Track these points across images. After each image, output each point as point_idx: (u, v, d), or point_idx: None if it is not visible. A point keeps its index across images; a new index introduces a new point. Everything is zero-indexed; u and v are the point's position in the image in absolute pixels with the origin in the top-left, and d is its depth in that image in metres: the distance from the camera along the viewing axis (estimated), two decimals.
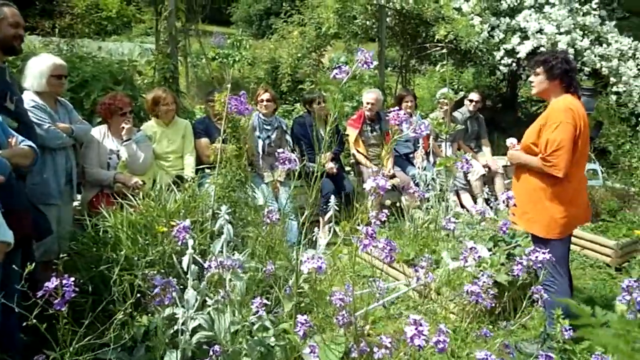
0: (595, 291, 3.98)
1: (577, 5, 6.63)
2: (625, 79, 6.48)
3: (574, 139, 2.71)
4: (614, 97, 6.51)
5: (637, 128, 6.50)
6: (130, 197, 3.14)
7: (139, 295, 2.47)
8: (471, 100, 5.58)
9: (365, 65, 1.62)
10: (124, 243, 2.76)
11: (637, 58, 6.91)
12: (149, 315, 2.51)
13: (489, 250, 3.68)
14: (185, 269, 2.07)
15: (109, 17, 14.26)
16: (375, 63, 1.68)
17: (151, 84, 5.12)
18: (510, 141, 3.40)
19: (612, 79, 6.50)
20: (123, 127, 3.74)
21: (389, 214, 4.38)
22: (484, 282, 1.91)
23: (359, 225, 1.54)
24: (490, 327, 3.00)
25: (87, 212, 3.11)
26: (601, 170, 4.79)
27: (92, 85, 4.37)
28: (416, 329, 1.19)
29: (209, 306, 2.28)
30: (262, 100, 4.58)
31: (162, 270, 2.65)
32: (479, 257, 3.60)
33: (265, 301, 1.75)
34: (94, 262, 2.69)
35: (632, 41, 6.94)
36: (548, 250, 2.93)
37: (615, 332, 1.05)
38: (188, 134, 4.24)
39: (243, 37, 13.66)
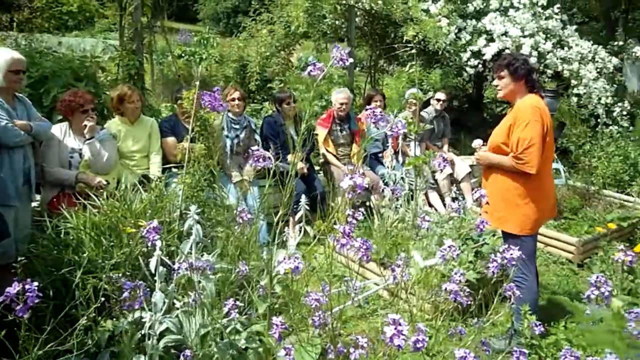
0: (558, 287, 4.08)
1: (539, 9, 6.80)
2: (585, 82, 6.69)
3: (543, 136, 2.76)
4: (575, 99, 6.70)
5: (597, 129, 6.71)
6: (94, 197, 3.03)
7: (103, 299, 2.38)
8: (438, 100, 5.66)
9: (340, 62, 1.59)
10: (87, 245, 2.65)
11: (597, 61, 7.14)
12: (114, 319, 2.42)
13: (457, 248, 3.71)
14: (152, 271, 2.01)
15: (70, 12, 13.84)
16: (351, 60, 1.65)
17: (115, 81, 4.97)
18: (477, 142, 3.45)
19: (573, 81, 6.70)
20: (85, 125, 3.61)
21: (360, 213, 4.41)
22: (459, 280, 1.91)
23: (335, 224, 1.52)
24: (462, 325, 3.02)
25: (47, 214, 2.98)
26: (563, 170, 4.91)
27: (52, 82, 4.20)
28: (395, 328, 1.17)
29: (178, 309, 2.21)
30: (232, 99, 4.50)
31: (128, 273, 2.56)
32: (457, 255, 3.66)
33: (237, 303, 1.69)
34: (55, 265, 2.57)
35: (592, 45, 7.17)
36: (519, 247, 3.00)
37: (610, 329, 1.05)
38: (154, 133, 4.13)
39: (210, 35, 13.52)
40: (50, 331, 1.83)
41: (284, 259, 1.39)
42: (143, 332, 2.03)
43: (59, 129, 3.65)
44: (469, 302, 1.81)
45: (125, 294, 1.68)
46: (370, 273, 3.89)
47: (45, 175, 3.50)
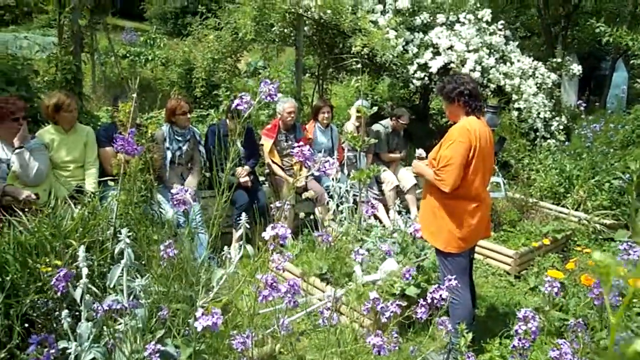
0: (496, 299, 4.20)
1: (484, 25, 7.01)
2: (526, 96, 6.94)
3: (466, 157, 2.85)
4: (515, 113, 6.94)
5: (535, 142, 6.98)
6: (20, 212, 2.86)
7: (26, 325, 2.24)
8: (403, 123, 5.75)
9: (269, 98, 1.56)
10: (11, 266, 2.49)
11: (537, 77, 7.43)
12: (39, 346, 2.29)
13: (399, 262, 3.76)
14: (78, 301, 1.90)
15: (7, 6, 13.12)
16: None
17: (52, 84, 4.73)
18: (419, 152, 3.55)
19: (514, 96, 6.94)
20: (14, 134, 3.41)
21: (302, 225, 4.38)
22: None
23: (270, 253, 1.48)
24: (404, 339, 3.07)
25: None
26: (503, 183, 5.08)
27: None
28: None
29: (106, 337, 2.11)
30: (183, 113, 4.36)
31: (56, 297, 2.43)
32: (391, 270, 3.68)
33: (159, 347, 1.62)
34: None
35: (532, 61, 7.46)
36: (447, 263, 3.08)
37: None
38: (90, 142, 3.95)
39: (157, 35, 13.16)
40: None
41: (201, 315, 1.33)
42: None
43: None
44: (401, 315, 1.82)
45: (31, 347, 1.56)
46: (313, 288, 3.87)
47: None
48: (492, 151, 3.17)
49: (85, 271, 1.83)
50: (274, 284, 1.39)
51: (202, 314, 1.29)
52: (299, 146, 1.63)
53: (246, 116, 1.79)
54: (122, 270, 2.07)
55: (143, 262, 2.74)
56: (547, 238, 4.82)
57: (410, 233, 3.75)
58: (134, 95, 2.84)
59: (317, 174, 1.63)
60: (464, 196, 2.98)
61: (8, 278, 2.35)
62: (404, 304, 3.47)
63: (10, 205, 3.14)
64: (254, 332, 1.54)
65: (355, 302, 3.44)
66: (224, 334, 1.58)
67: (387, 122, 5.81)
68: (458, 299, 3.03)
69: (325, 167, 1.62)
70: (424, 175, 3.12)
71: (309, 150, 1.58)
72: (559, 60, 8.30)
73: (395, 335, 2.03)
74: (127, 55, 12.11)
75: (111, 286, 2.08)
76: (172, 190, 3.90)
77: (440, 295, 1.81)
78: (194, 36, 6.71)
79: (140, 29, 15.75)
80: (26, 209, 2.98)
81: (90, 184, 3.85)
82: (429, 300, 1.83)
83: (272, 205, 3.11)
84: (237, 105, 1.63)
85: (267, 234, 1.40)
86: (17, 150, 3.42)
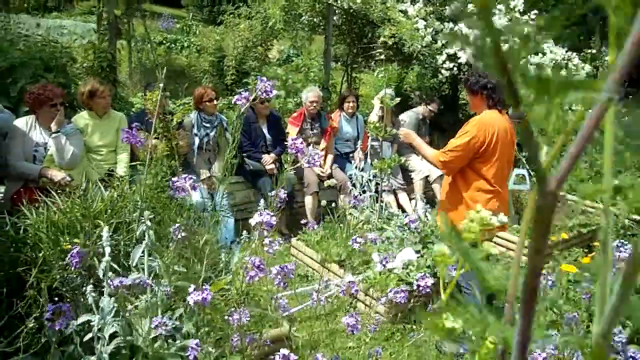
0: None
1: (517, 15, 6.88)
2: None
3: (473, 150, 2.89)
4: None
5: None
6: (54, 193, 3.04)
7: (57, 299, 2.41)
8: (431, 110, 5.80)
9: (264, 94, 1.64)
10: (44, 243, 2.67)
11: (569, 68, 7.26)
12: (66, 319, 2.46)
13: (417, 252, 3.81)
14: (101, 277, 2.05)
15: None
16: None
17: (88, 70, 4.93)
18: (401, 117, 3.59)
19: None
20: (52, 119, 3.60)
21: (324, 213, 4.47)
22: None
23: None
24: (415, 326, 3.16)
25: (8, 209, 2.99)
26: (529, 175, 5.02)
27: (20, 72, 4.18)
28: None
29: (128, 312, 2.26)
30: (210, 100, 4.49)
31: (84, 272, 2.60)
32: (408, 259, 3.74)
33: (165, 320, 1.73)
34: (11, 263, 2.59)
35: (566, 52, 7.28)
36: None
37: None
38: (122, 128, 4.13)
39: (193, 23, 13.38)
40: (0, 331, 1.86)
41: (194, 291, 1.43)
42: (91, 335, 2.08)
43: (24, 122, 3.63)
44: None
45: (47, 314, 1.70)
46: (332, 275, 3.96)
47: (9, 168, 3.49)
48: (512, 145, 3.18)
49: (107, 250, 1.96)
50: (261, 265, 1.48)
51: (195, 290, 1.39)
52: (292, 140, 1.70)
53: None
54: (144, 250, 2.21)
55: (166, 245, 2.90)
56: (569, 232, 4.77)
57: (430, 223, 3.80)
58: (161, 84, 2.96)
59: (306, 165, 1.70)
60: (480, 187, 3.01)
61: (41, 254, 2.52)
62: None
63: (47, 187, 3.33)
64: (252, 310, 1.64)
65: (371, 289, 3.53)
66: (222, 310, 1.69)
67: (417, 108, 5.83)
68: (469, 292, 3.08)
69: (314, 159, 1.69)
70: (416, 146, 3.30)
71: (301, 143, 1.65)
72: (594, 51, 8.07)
73: (378, 317, 2.10)
74: (164, 42, 12.38)
75: (133, 265, 2.23)
76: (201, 176, 4.07)
77: (426, 283, 1.87)
78: (225, 24, 6.83)
79: (178, 15, 16.02)
80: (60, 191, 3.16)
81: (121, 168, 4.03)
82: (415, 287, 1.89)
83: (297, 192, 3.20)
84: (236, 100, 1.72)
85: (254, 220, 1.49)
86: (54, 135, 3.61)
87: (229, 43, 6.22)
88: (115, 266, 2.16)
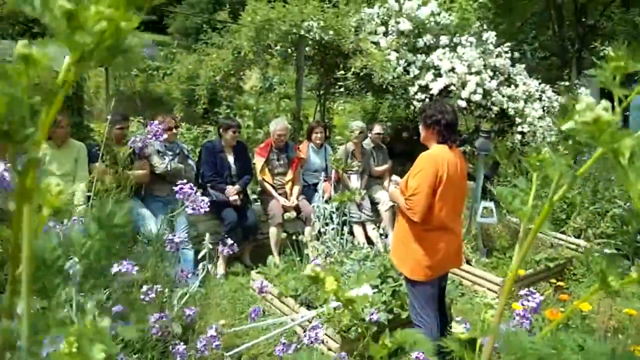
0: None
1: (491, 46, 6.98)
2: (530, 120, 6.86)
3: (433, 186, 2.85)
4: (518, 137, 6.86)
5: None
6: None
7: None
8: (377, 133, 5.83)
9: (154, 137, 1.62)
10: None
11: (544, 100, 7.35)
12: None
13: (376, 287, 3.75)
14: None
15: (37, 19, 13.69)
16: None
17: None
18: (396, 179, 3.56)
19: (518, 119, 6.87)
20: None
21: (286, 245, 4.41)
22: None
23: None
24: None
25: None
26: (496, 208, 5.00)
27: None
28: None
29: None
30: (170, 129, 4.47)
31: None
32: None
33: None
34: None
35: (540, 83, 7.38)
36: (414, 291, 3.07)
37: None
38: (81, 158, 4.08)
39: (177, 50, 13.49)
40: None
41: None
42: None
43: None
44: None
45: None
46: (287, 309, 3.89)
47: None
48: (463, 179, 3.17)
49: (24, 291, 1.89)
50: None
51: None
52: (180, 184, 1.67)
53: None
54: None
55: (108, 281, 2.82)
56: (537, 266, 4.74)
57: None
58: (108, 116, 2.94)
59: (190, 211, 1.66)
60: (430, 224, 2.97)
61: None
62: (374, 329, 3.48)
63: None
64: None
65: (325, 324, 3.45)
66: None
67: (367, 139, 5.85)
68: (424, 329, 3.01)
69: (200, 207, 1.65)
70: (399, 203, 3.13)
71: (190, 188, 1.62)
72: (567, 83, 8.18)
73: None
74: (147, 69, 12.45)
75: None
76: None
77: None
78: (198, 52, 6.87)
79: (163, 42, 16.15)
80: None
81: (78, 197, 3.97)
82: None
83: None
84: (131, 143, 1.69)
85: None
86: (8, 165, 3.56)
87: (202, 72, 6.24)
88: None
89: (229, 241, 2.99)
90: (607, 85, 0.53)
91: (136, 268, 2.38)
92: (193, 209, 1.67)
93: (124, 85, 8.86)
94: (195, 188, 1.71)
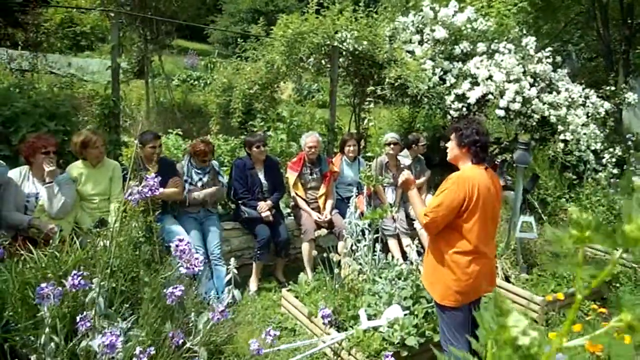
0: None
1: (530, 52, 6.75)
2: (573, 127, 6.59)
3: (455, 207, 2.77)
4: (561, 145, 6.59)
5: (584, 175, 6.58)
6: (42, 243, 3.07)
7: None
8: (419, 147, 5.72)
9: (149, 192, 1.61)
10: (11, 301, 2.68)
11: (587, 106, 7.04)
12: None
13: (407, 308, 3.66)
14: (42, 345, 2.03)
15: (83, 32, 14.22)
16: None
17: (92, 117, 5.07)
18: (403, 159, 3.43)
19: (560, 127, 6.61)
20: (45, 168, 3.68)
21: (317, 262, 4.38)
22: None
23: None
24: None
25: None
26: (535, 222, 4.81)
27: (23, 120, 4.30)
28: None
29: None
30: (197, 154, 4.53)
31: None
32: (394, 317, 3.59)
33: None
34: None
35: (583, 89, 7.07)
36: (444, 316, 2.97)
37: None
38: (116, 177, 4.16)
39: (217, 60, 13.71)
40: None
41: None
42: None
43: (18, 173, 3.73)
44: None
45: None
46: (317, 329, 3.85)
47: (1, 218, 3.57)
48: (497, 201, 3.05)
49: (48, 320, 1.94)
50: None
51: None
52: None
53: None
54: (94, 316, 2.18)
55: (132, 303, 2.87)
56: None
57: None
58: (135, 141, 2.98)
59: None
60: (461, 248, 2.87)
61: (5, 314, 2.53)
62: (405, 353, 3.39)
63: (36, 237, 3.37)
64: None
65: (354, 348, 3.40)
66: None
67: (405, 152, 5.73)
68: (452, 354, 2.91)
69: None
70: (409, 197, 3.13)
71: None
72: (613, 88, 7.80)
73: None
74: (187, 79, 12.71)
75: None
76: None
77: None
78: (232, 67, 6.94)
79: (205, 51, 16.43)
80: (45, 241, 3.19)
81: (113, 216, 4.05)
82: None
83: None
84: (128, 195, 1.68)
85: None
86: (46, 185, 3.68)
87: (237, 84, 6.30)
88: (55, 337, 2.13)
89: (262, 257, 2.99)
90: None
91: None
92: (187, 268, 1.65)
93: (164, 98, 9.04)
94: (191, 245, 1.70)
